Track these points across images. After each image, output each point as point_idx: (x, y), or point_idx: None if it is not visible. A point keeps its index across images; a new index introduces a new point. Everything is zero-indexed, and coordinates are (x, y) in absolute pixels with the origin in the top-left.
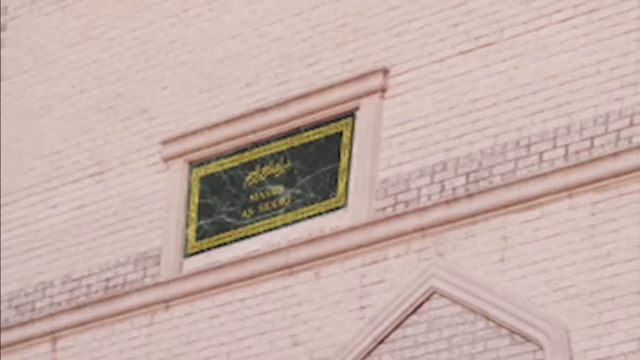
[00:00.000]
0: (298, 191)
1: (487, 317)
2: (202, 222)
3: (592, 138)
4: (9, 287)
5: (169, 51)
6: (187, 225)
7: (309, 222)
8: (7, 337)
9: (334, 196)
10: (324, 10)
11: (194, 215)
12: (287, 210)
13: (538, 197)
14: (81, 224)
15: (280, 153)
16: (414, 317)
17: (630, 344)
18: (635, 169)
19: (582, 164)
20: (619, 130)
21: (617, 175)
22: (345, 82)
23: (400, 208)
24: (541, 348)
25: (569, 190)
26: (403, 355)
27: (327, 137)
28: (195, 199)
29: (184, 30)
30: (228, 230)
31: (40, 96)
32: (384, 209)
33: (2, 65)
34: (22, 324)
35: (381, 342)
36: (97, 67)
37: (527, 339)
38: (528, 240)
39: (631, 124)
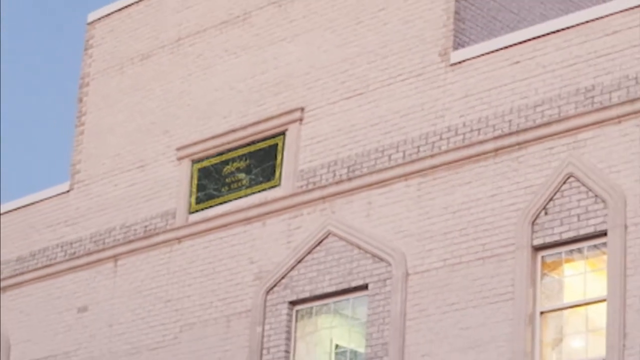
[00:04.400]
0: (253, 177)
1: (359, 247)
2: (199, 194)
3: (418, 147)
4: (90, 230)
5: (180, 98)
6: (190, 196)
7: (259, 194)
8: (89, 259)
9: (273, 179)
10: (268, 75)
11: (194, 189)
12: (247, 188)
13: (387, 180)
14: (131, 195)
15: (243, 155)
16: (317, 247)
17: (438, 262)
18: (443, 164)
19: (413, 161)
20: (433, 142)
21: (432, 167)
22: (280, 115)
23: (310, 186)
24: (390, 264)
25: (405, 176)
26: (312, 269)
27: (269, 146)
28: (195, 181)
29: (189, 85)
30: (213, 198)
31: (107, 122)
32: (301, 186)
33: (87, 105)
34: (97, 251)
35: (299, 261)
36: (140, 106)
37: (381, 259)
38: (382, 205)
39: (440, 139)
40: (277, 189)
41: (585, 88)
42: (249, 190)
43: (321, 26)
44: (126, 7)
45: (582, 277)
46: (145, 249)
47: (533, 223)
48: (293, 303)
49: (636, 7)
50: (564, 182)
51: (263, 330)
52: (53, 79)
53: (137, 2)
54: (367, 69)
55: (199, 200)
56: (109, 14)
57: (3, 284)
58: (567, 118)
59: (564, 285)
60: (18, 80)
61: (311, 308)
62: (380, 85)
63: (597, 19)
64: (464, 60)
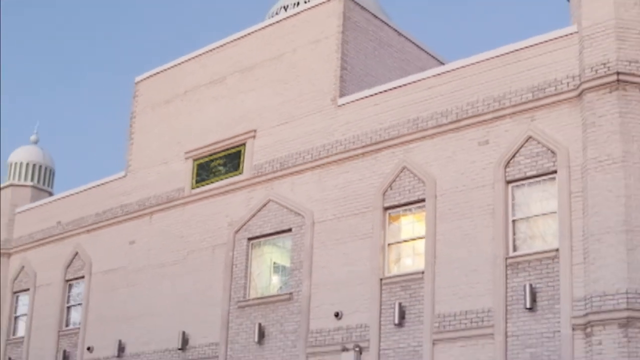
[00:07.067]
0: (227, 169)
1: (287, 208)
2: (197, 178)
3: (319, 152)
4: (136, 198)
5: (187, 124)
6: (192, 179)
7: (231, 179)
8: (135, 214)
9: (239, 170)
10: (236, 112)
11: (194, 175)
12: (224, 174)
13: (302, 170)
14: (159, 179)
15: (222, 156)
16: (263, 208)
17: (331, 216)
18: (333, 162)
19: (316, 160)
20: (328, 149)
21: (327, 164)
22: (242, 134)
23: (260, 174)
24: (304, 217)
25: (312, 169)
26: (260, 220)
27: (236, 151)
28: (195, 171)
29: (192, 118)
30: (205, 181)
31: (146, 138)
32: (254, 174)
33: (134, 128)
34: (140, 209)
35: (253, 216)
36: (164, 129)
37: (299, 214)
38: (299, 184)
39: (332, 147)
40: (241, 175)
41: (413, 119)
42: (225, 176)
43: (265, 85)
44: (156, 73)
45: (411, 225)
46: (167, 209)
47: (384, 194)
48: (250, 239)
49: (445, 72)
50: (401, 172)
51: (233, 254)
52: (116, 113)
53: (162, 71)
54: (290, 109)
55: (197, 182)
56: (146, 77)
57: (88, 228)
58: (403, 135)
59: (401, 229)
60: (95, 115)
61: (260, 241)
62: (298, 118)
63: (420, 80)
64: (345, 103)
